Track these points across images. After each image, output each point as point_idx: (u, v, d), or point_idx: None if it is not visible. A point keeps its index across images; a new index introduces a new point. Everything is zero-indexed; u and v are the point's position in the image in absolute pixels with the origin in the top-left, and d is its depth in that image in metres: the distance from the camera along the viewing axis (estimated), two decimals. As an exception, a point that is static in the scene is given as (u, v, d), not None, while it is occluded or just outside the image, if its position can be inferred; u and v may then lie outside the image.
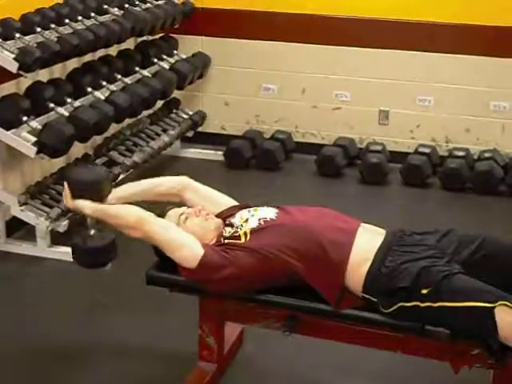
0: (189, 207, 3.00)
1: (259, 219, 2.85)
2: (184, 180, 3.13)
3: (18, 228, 4.39)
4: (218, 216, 3.00)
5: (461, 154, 5.50)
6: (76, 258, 2.97)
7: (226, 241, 2.81)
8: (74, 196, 2.89)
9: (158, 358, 3.34)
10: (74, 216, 4.29)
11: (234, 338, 3.27)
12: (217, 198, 3.10)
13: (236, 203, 3.10)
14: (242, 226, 2.84)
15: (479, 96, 5.57)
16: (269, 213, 2.88)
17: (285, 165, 5.74)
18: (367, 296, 2.66)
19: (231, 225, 2.89)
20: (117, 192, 3.00)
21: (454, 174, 5.33)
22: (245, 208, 2.98)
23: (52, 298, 3.83)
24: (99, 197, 2.89)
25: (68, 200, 2.92)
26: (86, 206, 2.86)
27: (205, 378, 3.01)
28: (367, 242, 2.74)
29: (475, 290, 2.51)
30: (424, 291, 2.54)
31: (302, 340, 2.91)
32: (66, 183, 2.94)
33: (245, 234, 2.80)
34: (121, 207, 2.89)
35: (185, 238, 2.78)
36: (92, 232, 2.94)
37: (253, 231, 2.79)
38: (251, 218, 2.87)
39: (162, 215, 2.95)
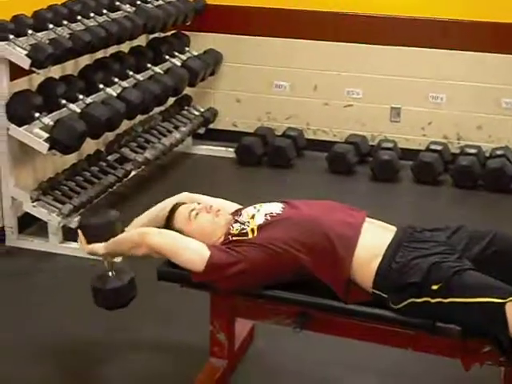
0: (199, 203, 2.99)
1: (265, 214, 2.85)
2: (185, 196, 3.15)
3: (30, 224, 4.41)
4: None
5: (472, 151, 5.49)
6: (96, 301, 3.01)
7: (234, 238, 2.81)
8: (89, 241, 2.97)
9: (170, 353, 3.35)
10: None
11: (244, 334, 3.28)
12: (220, 204, 3.10)
13: (239, 206, 3.10)
14: (248, 222, 2.84)
15: (491, 93, 5.55)
16: (275, 207, 2.89)
17: (296, 162, 5.74)
18: (377, 292, 2.65)
19: (238, 222, 2.89)
20: (128, 230, 3.05)
21: (465, 172, 5.32)
22: (250, 206, 2.98)
23: (64, 294, 3.85)
24: (108, 239, 2.96)
25: (83, 245, 3.00)
26: (100, 247, 2.93)
27: (216, 374, 3.01)
28: (376, 237, 2.74)
29: (486, 285, 2.51)
30: (434, 287, 2.54)
31: (312, 336, 2.91)
32: (79, 230, 3.02)
33: (252, 230, 2.80)
34: (125, 232, 2.98)
35: (189, 243, 2.79)
36: (110, 273, 2.97)
37: (260, 227, 2.80)
38: (257, 214, 2.87)
39: (173, 211, 2.96)
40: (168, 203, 3.11)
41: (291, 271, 2.74)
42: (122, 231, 3.00)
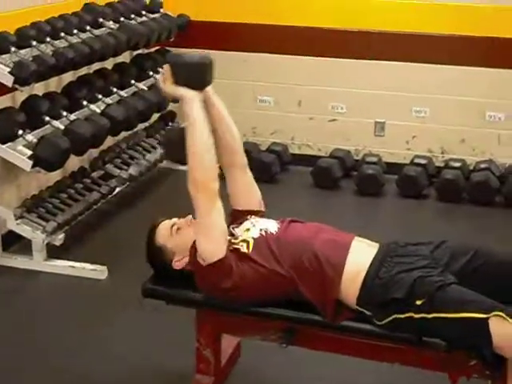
0: (179, 218, 2.95)
1: (260, 229, 2.82)
2: (245, 160, 3.05)
3: (14, 242, 4.38)
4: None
5: (457, 164, 5.51)
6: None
7: (231, 247, 2.76)
8: (176, 82, 2.64)
9: (155, 371, 3.32)
10: (70, 230, 4.30)
11: (231, 350, 3.26)
12: (253, 195, 3.04)
13: (262, 208, 3.04)
14: (241, 236, 2.81)
15: (475, 107, 5.58)
16: (270, 225, 2.85)
17: (281, 177, 5.74)
18: (361, 309, 2.64)
19: (232, 234, 2.85)
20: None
21: (450, 185, 5.34)
22: (250, 219, 2.94)
23: (48, 313, 3.82)
24: (201, 84, 2.68)
25: (168, 85, 2.68)
26: (189, 97, 2.63)
27: (202, 390, 3.00)
28: (361, 255, 2.73)
29: (469, 300, 2.51)
30: (418, 302, 2.53)
31: (299, 352, 2.90)
32: (166, 66, 2.68)
33: (247, 244, 2.76)
34: (211, 148, 2.65)
35: (219, 233, 2.68)
36: (183, 125, 2.70)
37: (255, 243, 2.76)
38: (252, 228, 2.84)
39: (152, 228, 2.90)
40: (237, 138, 2.97)
41: (282, 292, 2.71)
42: (211, 81, 2.72)
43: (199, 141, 2.63)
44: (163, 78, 2.70)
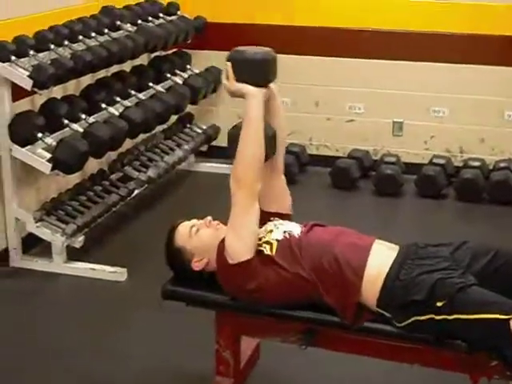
0: (198, 219, 2.96)
1: (284, 231, 2.80)
2: (282, 171, 3.00)
3: (33, 244, 4.40)
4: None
5: (476, 164, 5.49)
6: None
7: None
8: (239, 79, 2.63)
9: (175, 373, 3.33)
10: (89, 232, 4.32)
11: (250, 351, 3.25)
12: (283, 198, 3.01)
13: (286, 212, 3.01)
14: (264, 236, 2.79)
15: (494, 106, 5.55)
16: (294, 227, 2.83)
17: (299, 178, 5.73)
18: (381, 311, 2.63)
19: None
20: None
21: (469, 185, 5.31)
22: (277, 218, 2.93)
23: (68, 315, 3.84)
24: (264, 81, 2.65)
25: (232, 83, 2.67)
26: (253, 94, 2.62)
27: (222, 392, 3.00)
28: (381, 258, 2.71)
29: (490, 301, 2.49)
30: (439, 304, 2.52)
31: (318, 353, 2.89)
32: (228, 64, 2.68)
33: (270, 246, 2.74)
34: (262, 149, 2.64)
35: (251, 233, 2.67)
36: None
37: (278, 245, 2.73)
38: (275, 230, 2.82)
39: (173, 229, 2.90)
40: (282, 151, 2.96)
41: (305, 296, 2.70)
42: (275, 77, 2.71)
43: (252, 140, 2.63)
44: (226, 75, 2.69)
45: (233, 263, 2.68)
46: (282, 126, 2.93)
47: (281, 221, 2.91)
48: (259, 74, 2.63)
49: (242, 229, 2.66)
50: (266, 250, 2.73)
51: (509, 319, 2.41)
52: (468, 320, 2.48)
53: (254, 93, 2.64)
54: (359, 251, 2.72)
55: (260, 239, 2.78)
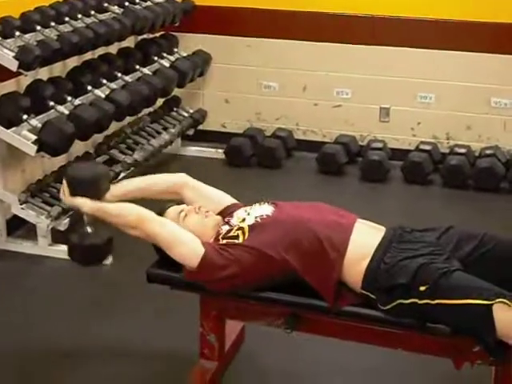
0: (188, 205, 2.99)
1: (255, 217, 2.84)
2: (183, 178, 3.12)
3: (18, 226, 4.39)
4: (218, 215, 3.00)
5: (462, 151, 5.49)
6: (72, 256, 2.97)
7: (225, 241, 2.80)
8: (73, 193, 2.88)
9: (159, 357, 3.33)
10: (75, 214, 4.29)
11: (235, 335, 3.27)
12: (216, 196, 3.09)
13: (235, 201, 3.09)
14: (238, 225, 2.83)
15: (480, 93, 5.56)
16: (264, 210, 2.88)
17: (286, 163, 5.74)
18: (366, 293, 2.65)
19: (228, 224, 2.88)
20: (115, 189, 2.99)
21: (455, 171, 5.33)
22: (242, 207, 2.98)
23: (52, 297, 3.83)
24: (97, 194, 2.88)
25: (66, 197, 2.92)
26: (85, 204, 2.85)
27: (206, 376, 3.00)
28: (366, 238, 2.74)
29: (473, 287, 2.51)
30: (422, 288, 2.54)
31: (304, 337, 2.90)
32: (64, 180, 2.94)
33: (243, 232, 2.79)
34: (120, 206, 2.88)
35: (185, 237, 2.77)
36: (89, 230, 2.93)
37: (250, 229, 2.79)
38: (247, 217, 2.86)
39: (161, 213, 2.94)
40: (164, 179, 3.13)
41: (282, 275, 2.73)
42: (108, 189, 2.93)
43: (115, 221, 2.83)
44: (62, 190, 2.96)
45: (197, 264, 2.71)
46: (159, 190, 3.11)
47: (250, 206, 2.95)
48: (90, 190, 2.88)
49: (174, 240, 2.76)
50: (239, 236, 2.78)
51: (491, 305, 2.43)
52: (450, 305, 2.50)
53: (82, 204, 2.86)
54: (341, 230, 2.74)
55: (233, 227, 2.83)
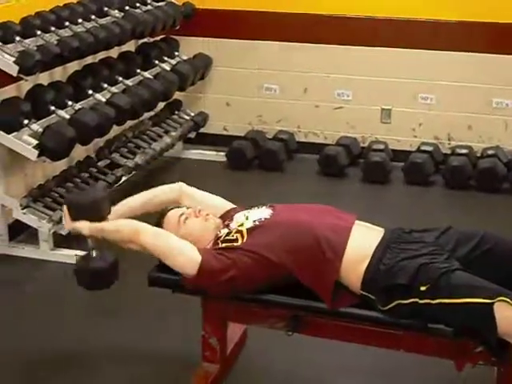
0: (188, 208, 3.00)
1: (254, 220, 2.85)
2: (180, 186, 3.14)
3: (20, 231, 4.39)
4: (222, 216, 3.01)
5: (463, 151, 5.49)
6: (79, 281, 2.98)
7: (224, 244, 2.80)
8: (74, 219, 2.90)
9: (161, 359, 3.33)
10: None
11: (237, 337, 3.27)
12: (213, 202, 3.11)
13: (233, 206, 3.10)
14: (237, 228, 2.84)
15: (481, 93, 5.56)
16: (263, 213, 2.88)
17: (287, 165, 5.74)
18: (366, 294, 2.65)
19: (227, 227, 2.89)
20: (116, 210, 3.01)
21: (456, 172, 5.32)
22: (242, 211, 2.98)
23: (55, 302, 3.83)
24: (99, 217, 2.90)
25: (67, 222, 2.94)
26: (85, 226, 2.87)
27: (208, 378, 3.00)
28: (364, 239, 2.74)
29: (474, 286, 2.51)
30: (422, 288, 2.54)
31: (305, 339, 2.90)
32: (64, 206, 2.97)
33: (241, 235, 2.79)
34: (117, 222, 2.91)
35: (182, 246, 2.77)
36: (94, 253, 2.94)
37: (249, 233, 2.79)
38: (246, 221, 2.87)
39: (162, 216, 2.95)
40: (162, 191, 3.13)
41: (281, 277, 2.73)
42: (109, 211, 2.95)
43: (119, 238, 2.86)
44: (63, 216, 2.98)
45: (195, 272, 2.72)
46: (157, 204, 3.12)
47: (249, 210, 2.96)
48: (90, 214, 2.89)
49: (171, 250, 2.77)
50: (238, 239, 2.79)
51: (492, 303, 2.43)
52: (451, 304, 2.50)
53: (82, 227, 2.87)
54: (339, 231, 2.74)
55: (231, 231, 2.84)
